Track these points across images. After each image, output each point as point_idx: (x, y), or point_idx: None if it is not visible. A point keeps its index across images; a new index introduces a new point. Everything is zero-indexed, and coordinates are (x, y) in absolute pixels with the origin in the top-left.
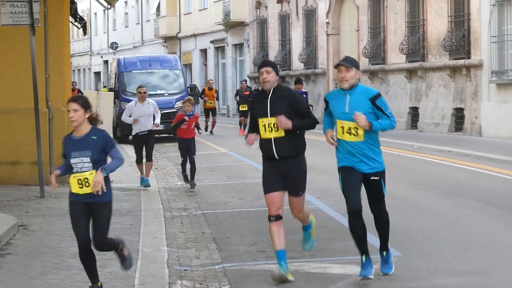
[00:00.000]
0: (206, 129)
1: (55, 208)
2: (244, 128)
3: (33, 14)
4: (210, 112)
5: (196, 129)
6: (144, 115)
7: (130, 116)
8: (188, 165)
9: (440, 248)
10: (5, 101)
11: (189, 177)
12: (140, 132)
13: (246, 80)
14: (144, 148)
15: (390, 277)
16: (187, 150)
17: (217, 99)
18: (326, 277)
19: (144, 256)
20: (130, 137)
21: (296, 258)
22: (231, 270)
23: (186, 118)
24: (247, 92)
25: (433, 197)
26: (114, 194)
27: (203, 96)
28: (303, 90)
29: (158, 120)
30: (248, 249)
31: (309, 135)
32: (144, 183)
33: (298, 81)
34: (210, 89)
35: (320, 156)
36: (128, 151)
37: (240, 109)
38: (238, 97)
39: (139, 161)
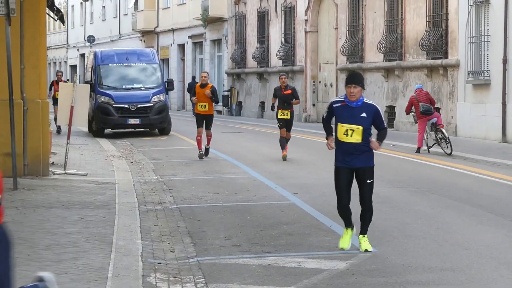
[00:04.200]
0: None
1: (29, 200)
2: (286, 142)
3: (8, 3)
4: (204, 121)
5: None
6: None
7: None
8: None
9: (415, 244)
10: None
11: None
12: None
13: (285, 75)
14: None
15: (364, 272)
16: None
17: (215, 101)
18: (300, 272)
19: (118, 248)
20: (106, 130)
21: (270, 253)
22: (205, 263)
23: None
24: (289, 91)
25: (409, 195)
26: (89, 188)
27: (191, 97)
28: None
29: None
30: (223, 243)
31: (294, 133)
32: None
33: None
34: (203, 85)
35: (301, 154)
36: (103, 145)
37: (279, 116)
38: (275, 97)
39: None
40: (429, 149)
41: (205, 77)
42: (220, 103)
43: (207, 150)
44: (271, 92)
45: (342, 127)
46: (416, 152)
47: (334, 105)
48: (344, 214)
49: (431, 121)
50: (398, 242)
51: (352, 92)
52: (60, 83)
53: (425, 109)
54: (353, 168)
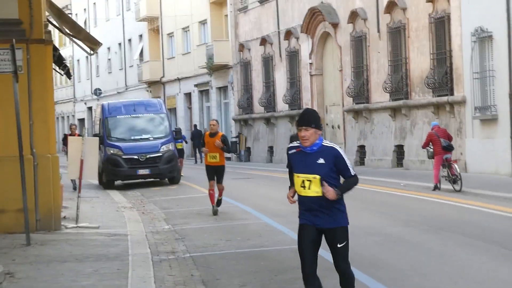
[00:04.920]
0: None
1: (42, 255)
2: None
3: (15, 61)
4: (215, 173)
5: None
6: None
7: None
8: None
9: (430, 282)
10: None
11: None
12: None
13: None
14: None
15: None
16: None
17: (227, 151)
18: None
19: None
20: (117, 182)
21: None
22: None
23: None
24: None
25: (422, 233)
26: (101, 240)
27: (201, 148)
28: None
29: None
30: None
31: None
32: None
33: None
34: (213, 135)
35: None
36: (114, 197)
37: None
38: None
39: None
40: (440, 186)
41: (214, 125)
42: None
43: (219, 201)
44: (279, 137)
45: (298, 178)
46: (433, 190)
47: (289, 152)
48: (310, 286)
49: (445, 156)
50: (412, 280)
51: (304, 136)
52: (69, 137)
53: (448, 145)
54: (319, 228)
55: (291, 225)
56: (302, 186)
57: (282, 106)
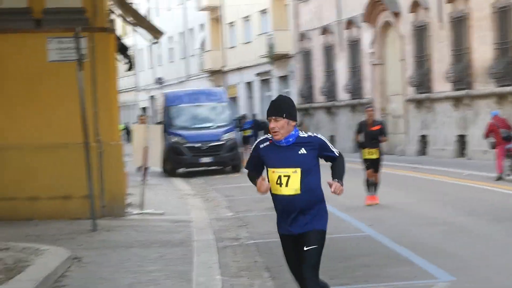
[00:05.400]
0: None
1: (108, 240)
2: (374, 190)
3: (80, 49)
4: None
5: None
6: None
7: None
8: None
9: (496, 274)
10: (55, 136)
11: None
12: None
13: (372, 107)
14: None
15: None
16: None
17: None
18: None
19: (198, 285)
20: (179, 170)
21: (349, 284)
22: None
23: None
24: (377, 127)
25: (486, 224)
26: (166, 226)
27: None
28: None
29: None
30: None
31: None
32: None
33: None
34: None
35: (360, 185)
36: (177, 184)
37: (366, 156)
38: (360, 135)
39: None
40: (506, 177)
41: (372, 110)
42: None
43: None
44: (340, 126)
45: (273, 174)
46: (496, 180)
47: (261, 146)
48: None
49: (507, 147)
50: (478, 270)
51: (273, 128)
52: (134, 125)
53: (507, 135)
54: (295, 235)
55: (353, 213)
56: (278, 183)
57: (343, 95)
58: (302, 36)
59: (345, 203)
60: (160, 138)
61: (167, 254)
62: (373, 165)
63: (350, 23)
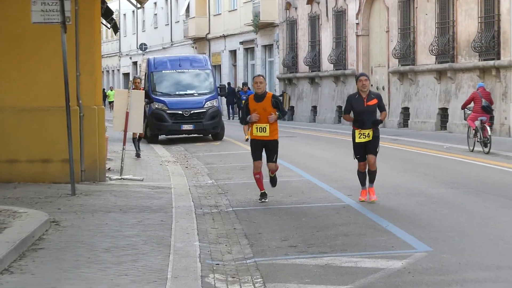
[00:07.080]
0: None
1: (87, 205)
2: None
3: (64, 12)
4: (267, 151)
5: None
6: None
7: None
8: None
9: (471, 243)
10: (37, 99)
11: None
12: None
13: (366, 75)
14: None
15: (421, 270)
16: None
17: (281, 117)
18: (357, 271)
19: (176, 250)
20: (160, 137)
21: (327, 253)
22: (262, 264)
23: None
24: (374, 101)
25: (464, 195)
26: (145, 192)
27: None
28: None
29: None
30: (280, 244)
31: (343, 136)
32: None
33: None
34: (261, 97)
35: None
36: (158, 151)
37: (358, 139)
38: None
39: None
40: (473, 149)
41: (261, 82)
42: None
43: (273, 179)
44: (323, 96)
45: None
46: (473, 136)
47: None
48: None
49: (480, 118)
50: (454, 241)
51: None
52: (115, 89)
53: (487, 105)
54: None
55: (334, 183)
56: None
57: (327, 65)
58: (288, 5)
59: (324, 173)
60: (142, 103)
61: (145, 220)
62: (367, 149)
63: None
